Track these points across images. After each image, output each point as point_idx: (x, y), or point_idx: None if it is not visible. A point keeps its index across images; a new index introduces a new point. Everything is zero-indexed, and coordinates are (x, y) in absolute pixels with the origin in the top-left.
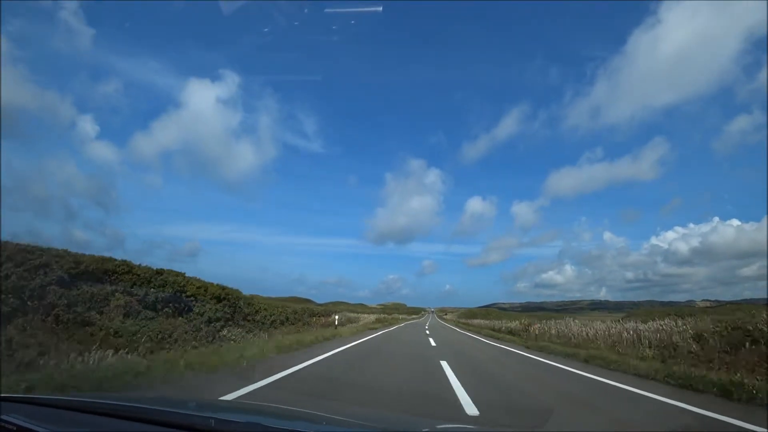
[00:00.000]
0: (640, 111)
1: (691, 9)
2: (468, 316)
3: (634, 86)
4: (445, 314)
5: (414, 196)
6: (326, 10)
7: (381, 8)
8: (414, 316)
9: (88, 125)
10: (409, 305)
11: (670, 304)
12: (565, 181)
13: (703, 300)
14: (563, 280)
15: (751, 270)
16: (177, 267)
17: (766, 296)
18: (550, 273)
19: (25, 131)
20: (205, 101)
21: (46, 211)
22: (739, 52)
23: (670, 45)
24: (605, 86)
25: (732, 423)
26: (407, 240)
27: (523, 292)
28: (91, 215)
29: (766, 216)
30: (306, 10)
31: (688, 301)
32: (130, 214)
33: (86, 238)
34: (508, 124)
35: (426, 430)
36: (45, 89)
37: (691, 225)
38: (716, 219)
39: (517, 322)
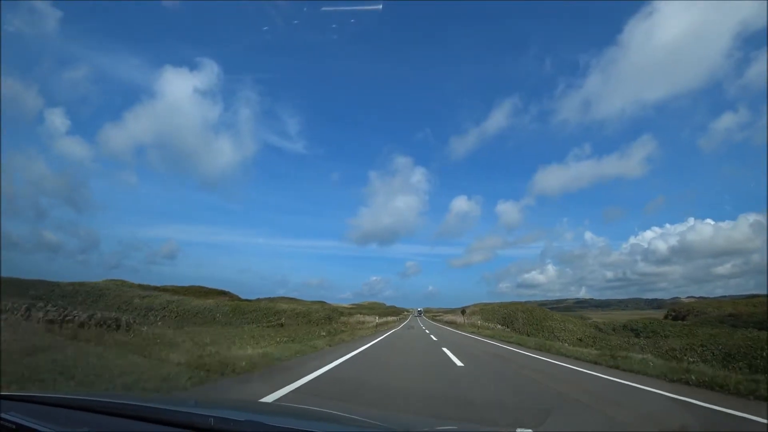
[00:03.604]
0: (630, 106)
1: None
2: (497, 317)
3: (626, 79)
4: (460, 315)
5: (398, 196)
6: (323, 8)
7: (381, 6)
8: (390, 319)
9: (57, 119)
10: (388, 304)
11: (655, 301)
12: (552, 179)
13: (688, 297)
14: (545, 279)
15: (724, 268)
16: (155, 269)
17: (737, 293)
18: (533, 273)
19: None
20: (185, 98)
21: (13, 210)
22: (732, 46)
23: (665, 36)
24: (597, 79)
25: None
26: (391, 241)
27: (505, 292)
28: (62, 215)
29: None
30: (305, 9)
31: (673, 298)
32: (105, 214)
33: (58, 240)
34: (496, 121)
35: (427, 430)
36: (7, 76)
37: (668, 225)
38: (692, 219)
39: None
